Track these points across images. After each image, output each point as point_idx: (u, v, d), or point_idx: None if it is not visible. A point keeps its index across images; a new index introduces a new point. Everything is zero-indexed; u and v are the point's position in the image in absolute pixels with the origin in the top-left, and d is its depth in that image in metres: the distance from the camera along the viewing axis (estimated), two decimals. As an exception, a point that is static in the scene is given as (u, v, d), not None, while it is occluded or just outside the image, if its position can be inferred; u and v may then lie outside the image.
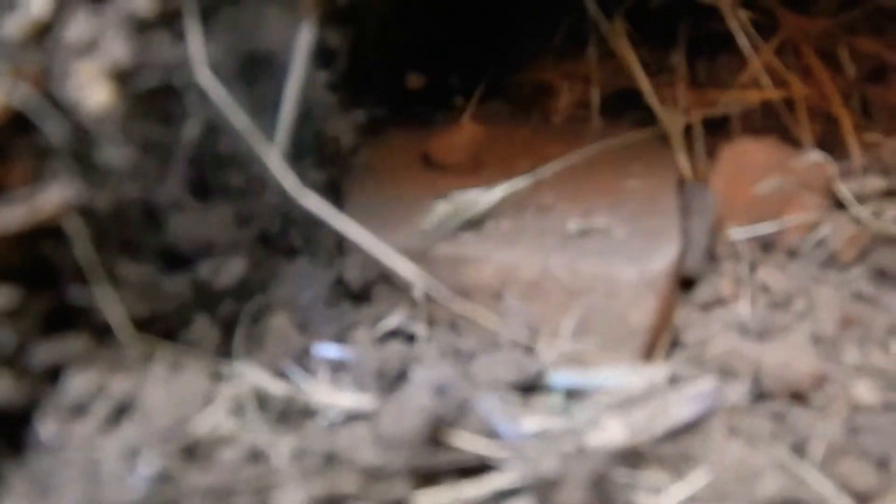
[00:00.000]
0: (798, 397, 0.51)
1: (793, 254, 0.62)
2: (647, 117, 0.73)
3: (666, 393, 0.48)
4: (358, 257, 0.55)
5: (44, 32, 0.37)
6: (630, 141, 0.68)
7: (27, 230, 0.37)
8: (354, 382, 0.48)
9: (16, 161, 0.40)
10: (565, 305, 0.54)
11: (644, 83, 0.72)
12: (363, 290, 0.56)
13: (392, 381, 0.48)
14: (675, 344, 0.56)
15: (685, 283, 0.60)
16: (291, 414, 0.45)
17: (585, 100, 0.76)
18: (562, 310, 0.54)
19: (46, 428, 0.39)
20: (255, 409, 0.44)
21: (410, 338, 0.54)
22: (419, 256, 0.56)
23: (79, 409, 0.39)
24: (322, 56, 0.54)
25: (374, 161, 0.66)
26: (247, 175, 0.52)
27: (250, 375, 0.46)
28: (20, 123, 0.40)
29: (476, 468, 0.42)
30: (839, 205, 0.64)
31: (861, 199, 0.63)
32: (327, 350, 0.50)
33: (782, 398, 0.51)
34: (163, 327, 0.47)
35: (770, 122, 0.72)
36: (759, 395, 0.51)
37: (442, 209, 0.58)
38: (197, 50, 0.44)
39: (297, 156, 0.53)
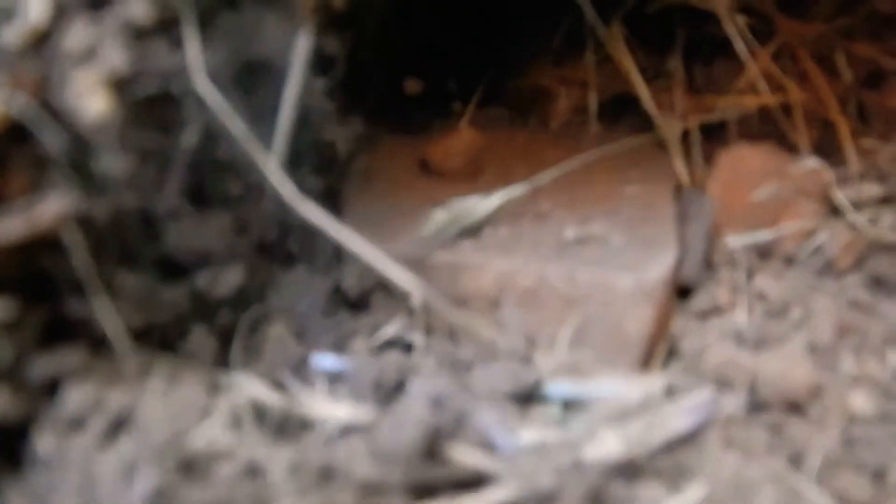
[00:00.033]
0: (794, 408, 0.51)
1: (790, 261, 0.62)
2: (644, 122, 0.73)
3: (662, 404, 0.48)
4: (356, 266, 0.55)
5: (42, 41, 0.37)
6: (627, 147, 0.68)
7: (25, 241, 0.37)
8: (352, 393, 0.48)
9: (13, 171, 0.39)
10: (562, 314, 0.54)
11: (642, 88, 0.72)
12: (361, 298, 0.56)
13: (389, 392, 0.48)
14: (672, 353, 0.56)
15: (682, 291, 0.60)
16: (289, 426, 0.45)
17: (583, 104, 0.76)
18: (559, 318, 0.54)
19: (44, 442, 0.39)
20: (252, 421, 0.44)
21: (408, 347, 0.54)
22: (417, 264, 0.56)
23: (76, 424, 0.39)
24: (320, 63, 0.54)
25: (373, 167, 0.66)
26: (245, 182, 0.52)
27: (248, 387, 0.46)
28: (18, 133, 0.39)
29: (473, 481, 0.42)
30: (836, 211, 0.64)
31: (858, 205, 0.63)
32: (325, 361, 0.50)
33: (779, 409, 0.51)
34: (160, 337, 0.47)
35: (767, 128, 0.72)
36: (756, 405, 0.52)
37: (440, 217, 0.58)
38: (195, 57, 0.44)
39: (295, 162, 0.53)
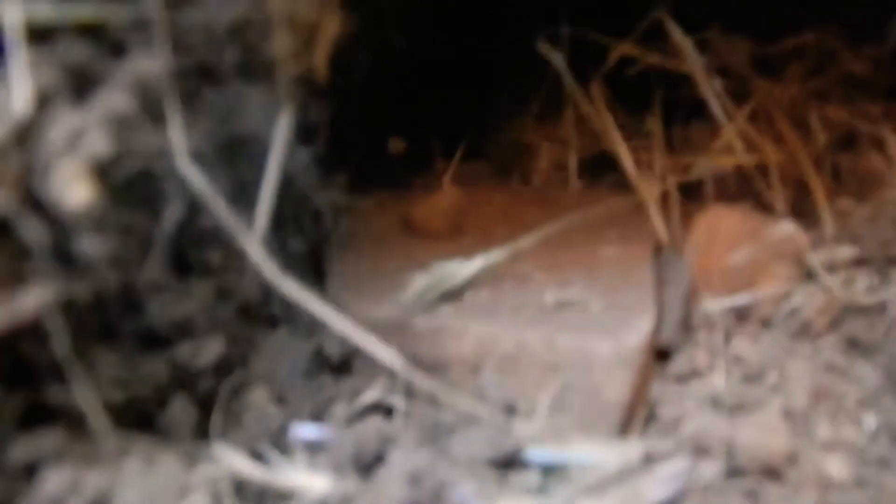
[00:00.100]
0: (771, 473, 0.52)
1: (766, 323, 0.63)
2: (624, 180, 0.74)
3: (640, 473, 0.49)
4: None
5: (26, 133, 0.38)
6: (606, 210, 0.69)
7: (6, 333, 0.37)
8: (331, 464, 0.48)
9: (-6, 264, 0.40)
10: (542, 379, 0.55)
11: (621, 148, 0.73)
12: (343, 361, 0.57)
13: (370, 462, 0.48)
14: (650, 417, 0.57)
15: (661, 354, 0.61)
16: (267, 499, 0.46)
17: (565, 161, 0.78)
18: (539, 384, 0.55)
19: (22, 527, 0.39)
20: (231, 495, 0.44)
21: (389, 410, 0.54)
22: (399, 329, 0.56)
23: (54, 507, 0.39)
24: (303, 132, 0.55)
25: (356, 226, 0.67)
26: (226, 251, 0.52)
27: (227, 459, 0.46)
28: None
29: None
30: (811, 274, 0.65)
31: (832, 268, 0.65)
32: (304, 431, 0.50)
33: (755, 475, 0.52)
34: (140, 410, 0.47)
35: (744, 187, 0.73)
36: (733, 471, 0.52)
37: (422, 281, 0.59)
38: (177, 139, 0.45)
39: (279, 226, 0.54)
